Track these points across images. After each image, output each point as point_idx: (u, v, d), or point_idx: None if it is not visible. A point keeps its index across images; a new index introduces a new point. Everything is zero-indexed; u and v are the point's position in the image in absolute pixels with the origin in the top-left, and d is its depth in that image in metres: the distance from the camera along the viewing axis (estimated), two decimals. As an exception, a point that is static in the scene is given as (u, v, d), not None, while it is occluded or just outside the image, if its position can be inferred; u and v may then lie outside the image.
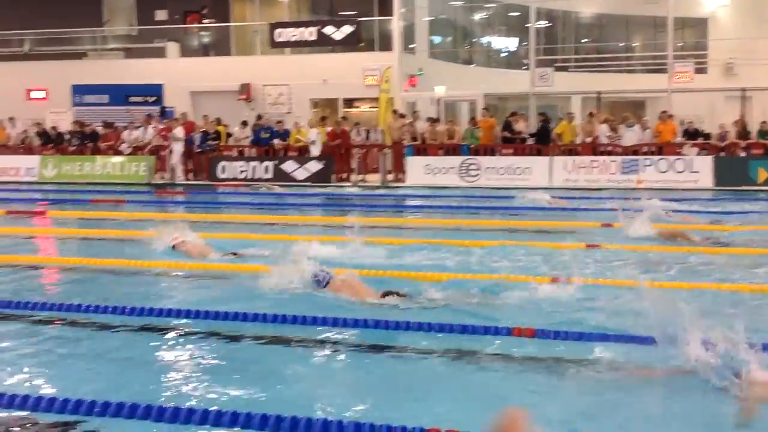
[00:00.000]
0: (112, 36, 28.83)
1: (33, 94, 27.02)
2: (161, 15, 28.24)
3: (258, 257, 9.19)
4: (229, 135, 23.60)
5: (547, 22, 30.44)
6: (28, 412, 4.64)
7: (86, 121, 24.70)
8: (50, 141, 24.18)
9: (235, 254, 9.36)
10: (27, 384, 5.21)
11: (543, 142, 21.18)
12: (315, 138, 21.88)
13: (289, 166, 21.66)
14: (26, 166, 23.12)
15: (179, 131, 22.17)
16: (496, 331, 6.10)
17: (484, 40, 32.96)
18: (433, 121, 22.54)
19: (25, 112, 25.81)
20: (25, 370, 5.56)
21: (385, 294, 7.01)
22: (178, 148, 22.09)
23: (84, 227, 13.00)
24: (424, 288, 7.40)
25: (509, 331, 6.03)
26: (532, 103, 23.97)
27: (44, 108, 26.62)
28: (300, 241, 8.03)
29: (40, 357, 5.91)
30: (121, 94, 26.51)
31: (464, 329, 6.16)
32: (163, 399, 4.82)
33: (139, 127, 23.56)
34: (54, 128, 24.61)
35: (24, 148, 24.52)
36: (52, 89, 26.89)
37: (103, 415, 4.49)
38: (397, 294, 7.03)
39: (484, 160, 20.86)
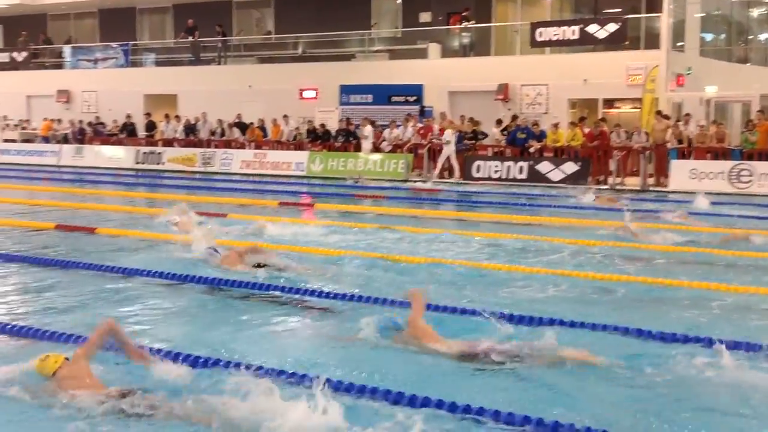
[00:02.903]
0: (378, 38, 30.12)
1: (305, 94, 28.85)
2: (425, 17, 29.03)
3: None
4: (483, 135, 23.71)
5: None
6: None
7: (352, 120, 25.99)
8: (318, 138, 25.71)
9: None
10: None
11: (828, 147, 19.18)
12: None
13: (544, 167, 21.38)
14: (296, 161, 24.76)
15: (448, 134, 22.50)
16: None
17: (762, 36, 30.58)
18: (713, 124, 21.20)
19: (298, 110, 27.61)
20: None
21: (256, 266, 8.68)
22: (447, 149, 22.49)
23: (346, 220, 13.62)
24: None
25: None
26: (817, 105, 21.77)
27: (314, 106, 28.28)
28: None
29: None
30: (384, 94, 27.52)
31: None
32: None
33: (399, 125, 24.39)
34: (322, 125, 26.13)
35: (295, 144, 26.29)
36: (321, 89, 28.56)
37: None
38: (264, 265, 8.66)
39: (759, 166, 19.25)
